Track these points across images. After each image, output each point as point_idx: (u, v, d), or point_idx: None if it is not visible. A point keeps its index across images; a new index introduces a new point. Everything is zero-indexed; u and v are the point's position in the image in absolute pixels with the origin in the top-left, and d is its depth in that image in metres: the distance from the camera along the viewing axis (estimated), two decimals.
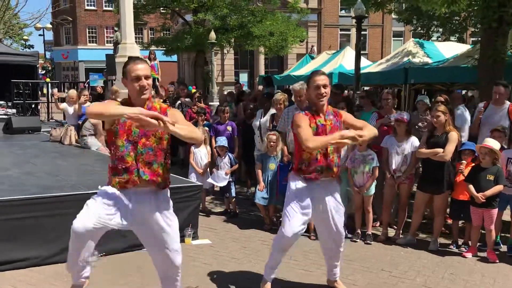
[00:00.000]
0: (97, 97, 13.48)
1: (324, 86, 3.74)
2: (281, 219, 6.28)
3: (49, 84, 17.58)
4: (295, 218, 3.80)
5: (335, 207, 3.93)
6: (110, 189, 3.15)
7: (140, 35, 38.10)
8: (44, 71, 37.59)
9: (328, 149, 3.76)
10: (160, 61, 17.19)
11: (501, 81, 6.22)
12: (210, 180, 6.68)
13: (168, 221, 3.27)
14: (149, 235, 3.30)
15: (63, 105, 9.43)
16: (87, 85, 20.13)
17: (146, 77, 3.07)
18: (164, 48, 22.33)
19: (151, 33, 39.79)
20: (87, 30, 40.96)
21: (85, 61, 39.06)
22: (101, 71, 29.07)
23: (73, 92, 9.95)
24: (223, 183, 6.64)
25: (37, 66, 14.22)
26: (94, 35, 41.13)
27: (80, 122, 8.78)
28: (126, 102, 3.10)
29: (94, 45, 40.55)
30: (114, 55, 12.89)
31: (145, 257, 4.87)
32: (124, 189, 3.13)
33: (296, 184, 3.88)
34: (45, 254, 4.62)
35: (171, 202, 3.34)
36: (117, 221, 3.11)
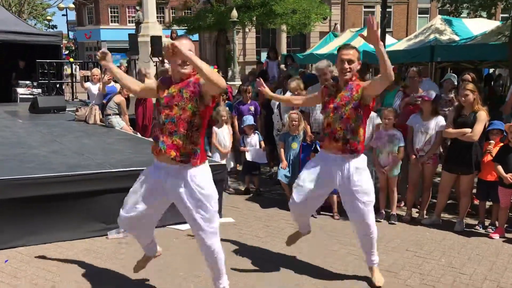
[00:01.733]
0: None
1: (349, 62, 3.68)
2: None
3: (72, 65, 17.78)
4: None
5: (350, 191, 3.75)
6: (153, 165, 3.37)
7: (161, 14, 38.10)
8: (68, 51, 37.91)
9: (331, 117, 3.78)
10: None
11: None
12: (249, 158, 6.69)
13: (200, 203, 3.19)
14: (184, 213, 3.30)
15: (87, 84, 9.53)
16: None
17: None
18: (186, 28, 22.27)
19: (172, 12, 39.70)
20: (109, 9, 41.11)
21: (108, 41, 39.26)
22: (124, 50, 29.21)
23: (96, 70, 10.03)
24: (264, 160, 6.74)
25: (61, 46, 14.34)
26: (116, 14, 41.26)
27: (104, 102, 8.87)
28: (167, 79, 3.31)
29: (116, 25, 40.74)
30: (136, 34, 12.91)
31: (169, 234, 4.96)
32: (157, 161, 3.29)
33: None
34: (72, 231, 4.73)
35: (205, 180, 3.23)
36: (157, 199, 3.32)
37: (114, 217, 4.85)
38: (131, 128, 8.99)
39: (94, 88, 9.32)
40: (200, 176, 3.21)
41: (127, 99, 9.02)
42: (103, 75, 9.95)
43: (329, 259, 4.45)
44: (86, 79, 9.82)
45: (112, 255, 4.48)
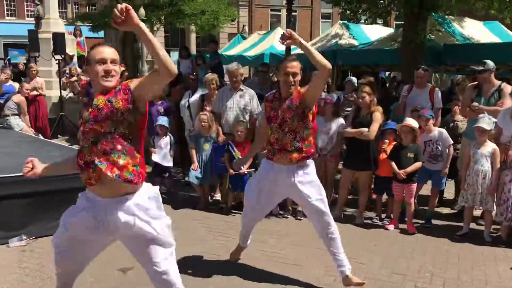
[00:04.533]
0: (18, 74, 12.78)
1: (293, 75, 3.68)
2: (214, 197, 6.43)
3: None
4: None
5: (304, 197, 3.85)
6: None
7: (64, 10, 36.17)
8: None
9: (280, 133, 3.74)
10: (86, 38, 16.51)
11: (422, 65, 6.60)
12: (155, 159, 6.58)
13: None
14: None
15: None
16: (7, 62, 18.97)
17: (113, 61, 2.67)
18: (91, 24, 21.39)
19: (75, 7, 37.83)
20: (4, 2, 38.24)
21: (3, 36, 36.53)
22: (22, 46, 27.34)
23: None
24: (169, 163, 6.64)
25: None
26: (13, 8, 38.50)
27: (1, 102, 8.34)
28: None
29: (13, 19, 37.96)
30: (37, 30, 12.21)
31: None
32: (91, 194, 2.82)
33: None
34: None
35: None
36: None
37: (14, 224, 4.66)
38: (32, 129, 8.55)
39: None
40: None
41: (26, 99, 8.57)
42: None
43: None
44: None
45: (14, 264, 4.26)
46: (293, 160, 3.75)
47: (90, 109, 2.64)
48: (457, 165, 6.02)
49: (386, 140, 5.74)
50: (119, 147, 2.59)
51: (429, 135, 5.71)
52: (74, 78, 11.28)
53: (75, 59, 13.44)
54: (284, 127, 3.74)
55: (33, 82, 9.59)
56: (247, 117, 6.24)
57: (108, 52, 2.65)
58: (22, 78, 10.93)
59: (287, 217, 5.82)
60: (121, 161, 2.59)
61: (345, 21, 13.26)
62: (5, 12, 38.60)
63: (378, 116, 5.52)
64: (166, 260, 2.80)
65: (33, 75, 9.68)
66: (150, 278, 2.86)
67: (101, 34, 26.50)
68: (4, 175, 4.73)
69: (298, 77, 3.72)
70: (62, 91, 11.15)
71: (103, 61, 2.61)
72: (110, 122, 2.58)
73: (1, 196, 4.60)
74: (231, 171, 5.87)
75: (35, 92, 9.48)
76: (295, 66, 3.68)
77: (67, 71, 11.94)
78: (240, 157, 5.88)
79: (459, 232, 5.35)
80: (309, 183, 3.82)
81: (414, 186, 5.52)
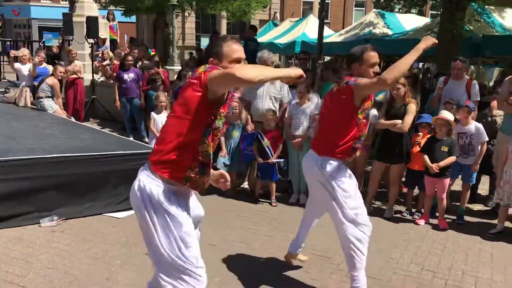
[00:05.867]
0: (53, 57, 12.99)
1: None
2: (242, 186, 6.42)
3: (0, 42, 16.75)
4: None
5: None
6: None
7: None
8: None
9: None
10: (118, 22, 16.64)
11: (459, 57, 6.39)
12: None
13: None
14: None
15: (17, 65, 9.07)
16: (42, 44, 19.32)
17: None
18: (123, 9, 21.55)
19: None
20: None
21: (39, 19, 37.22)
22: (56, 30, 27.83)
23: (25, 51, 9.59)
24: None
25: None
26: None
27: (35, 84, 8.49)
28: None
29: (48, 2, 38.60)
30: (71, 13, 12.35)
31: (106, 222, 4.89)
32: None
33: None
34: (1, 218, 4.54)
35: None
36: None
37: (46, 205, 4.75)
38: (65, 112, 8.69)
39: (25, 69, 8.89)
40: None
41: (60, 82, 8.70)
42: (33, 56, 9.53)
43: (268, 244, 4.58)
44: (16, 59, 9.34)
45: (45, 244, 4.34)
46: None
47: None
48: (492, 161, 5.83)
49: (420, 133, 5.60)
50: None
51: (464, 128, 5.54)
52: (106, 62, 11.39)
53: (107, 43, 13.57)
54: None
55: (72, 65, 9.74)
56: (277, 105, 6.19)
57: (242, 50, 2.58)
58: (56, 61, 11.11)
59: None
60: None
61: (380, 10, 12.97)
62: None
63: (412, 108, 5.38)
64: None
65: (73, 58, 9.82)
66: None
67: (133, 18, 26.72)
68: (37, 156, 4.82)
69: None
70: (94, 74, 11.28)
71: (238, 61, 2.52)
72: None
73: (34, 177, 4.68)
74: (260, 160, 5.84)
75: (74, 76, 9.66)
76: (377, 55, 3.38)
77: (100, 55, 12.07)
78: (269, 146, 5.85)
79: (493, 230, 5.19)
80: None
81: (447, 181, 5.38)
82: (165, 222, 2.41)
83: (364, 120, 3.39)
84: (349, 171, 3.55)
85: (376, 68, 3.35)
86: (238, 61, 2.50)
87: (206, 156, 2.49)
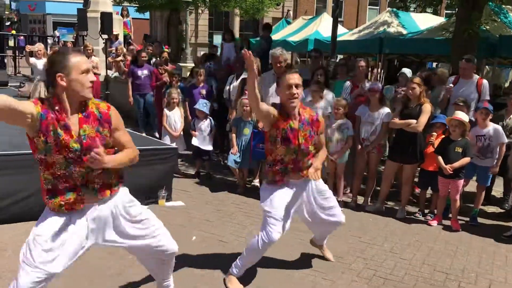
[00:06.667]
0: None
1: (297, 86, 3.40)
2: (253, 183, 6.41)
3: (16, 37, 16.91)
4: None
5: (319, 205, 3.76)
6: None
7: None
8: (9, 22, 35.94)
9: (299, 154, 3.51)
10: (132, 18, 16.72)
11: (467, 56, 6.34)
12: (195, 142, 6.62)
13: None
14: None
15: (32, 60, 9.13)
16: (57, 39, 19.46)
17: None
18: (137, 5, 21.64)
19: None
20: None
21: (53, 14, 37.52)
22: (70, 25, 28.04)
23: (41, 45, 9.65)
24: (209, 147, 6.65)
25: (4, 17, 13.60)
26: None
27: None
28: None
29: None
30: (85, 9, 12.43)
31: None
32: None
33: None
34: (15, 212, 4.57)
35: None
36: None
37: None
38: None
39: (40, 64, 8.95)
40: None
41: None
42: (48, 51, 9.60)
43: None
44: (31, 54, 9.42)
45: None
46: (304, 175, 3.57)
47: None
48: (508, 162, 5.75)
49: (434, 133, 5.54)
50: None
51: (482, 130, 5.47)
52: (120, 58, 11.44)
53: (121, 39, 13.64)
54: (303, 150, 3.50)
55: (89, 61, 9.79)
56: None
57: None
58: None
59: None
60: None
61: (394, 9, 12.86)
62: None
63: (427, 108, 5.32)
64: None
65: (89, 54, 9.87)
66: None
67: (146, 15, 26.81)
68: None
69: (301, 89, 3.47)
70: (107, 70, 11.34)
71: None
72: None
73: None
74: None
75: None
76: (297, 77, 3.42)
77: (113, 51, 12.13)
78: None
79: (508, 232, 5.13)
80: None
81: (461, 182, 5.32)
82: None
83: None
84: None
85: (294, 90, 3.37)
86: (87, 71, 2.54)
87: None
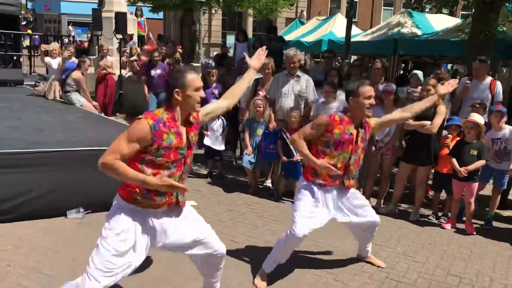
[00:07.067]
0: (81, 52, 13.19)
1: (373, 97, 3.62)
2: (265, 183, 6.40)
3: (31, 36, 17.08)
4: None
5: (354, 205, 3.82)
6: None
7: None
8: (25, 22, 36.35)
9: (349, 159, 3.64)
10: (146, 18, 16.80)
11: (480, 57, 6.29)
12: (207, 142, 6.63)
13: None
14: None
15: (47, 59, 9.21)
16: (72, 38, 19.62)
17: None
18: (151, 5, 21.76)
19: None
20: None
21: (68, 14, 37.90)
22: (84, 25, 28.25)
23: (55, 45, 9.73)
24: (221, 147, 6.66)
25: (20, 16, 13.73)
26: None
27: (64, 77, 8.62)
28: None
29: None
30: (100, 9, 12.52)
31: None
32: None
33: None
34: (30, 209, 4.61)
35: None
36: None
37: (74, 197, 4.82)
38: (94, 102, 8.83)
39: (54, 63, 9.02)
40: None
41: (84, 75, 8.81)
42: (63, 50, 9.68)
43: None
44: (46, 53, 9.51)
45: (71, 235, 4.41)
46: (349, 186, 3.74)
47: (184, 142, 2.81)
48: None
49: (449, 136, 5.48)
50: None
51: (498, 133, 5.40)
52: (134, 58, 11.50)
53: (135, 39, 13.71)
54: (355, 154, 3.67)
55: (104, 60, 9.88)
56: (302, 104, 6.14)
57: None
58: (83, 55, 11.27)
59: None
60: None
61: (409, 9, 12.75)
62: None
63: (442, 109, 5.27)
64: None
65: (104, 53, 9.98)
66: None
67: (160, 15, 26.94)
68: (65, 149, 4.89)
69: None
70: (121, 70, 11.41)
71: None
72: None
73: (61, 169, 4.76)
74: (284, 158, 5.81)
75: (105, 71, 9.79)
76: (372, 89, 3.65)
77: (128, 51, 12.20)
78: None
79: None
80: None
81: (475, 185, 5.26)
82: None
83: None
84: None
85: (372, 101, 3.57)
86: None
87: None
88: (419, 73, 7.28)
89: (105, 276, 2.63)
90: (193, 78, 2.74)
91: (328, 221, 3.71)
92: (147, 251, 2.83)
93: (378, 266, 4.18)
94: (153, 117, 2.66)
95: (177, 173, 2.78)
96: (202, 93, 2.78)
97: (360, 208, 3.83)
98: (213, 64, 8.77)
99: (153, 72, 8.92)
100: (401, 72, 13.35)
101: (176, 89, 2.71)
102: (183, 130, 2.77)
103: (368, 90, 3.58)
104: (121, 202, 2.81)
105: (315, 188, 3.67)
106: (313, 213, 3.60)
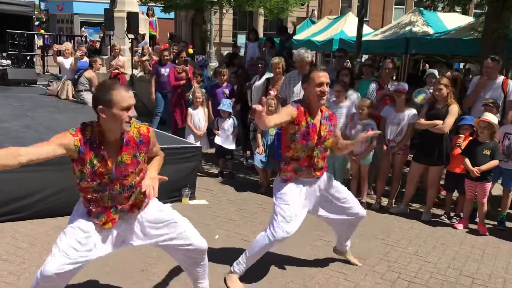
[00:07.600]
0: (93, 52, 13.29)
1: (327, 84, 3.42)
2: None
3: (44, 36, 17.23)
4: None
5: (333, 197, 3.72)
6: None
7: None
8: (38, 22, 36.70)
9: (314, 151, 3.51)
10: (157, 18, 16.88)
11: (492, 55, 6.23)
12: (218, 141, 6.65)
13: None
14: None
15: (60, 59, 9.31)
16: (84, 38, 19.78)
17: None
18: (162, 5, 21.86)
19: None
20: None
21: (80, 14, 38.21)
22: (96, 25, 28.47)
23: (68, 45, 9.83)
24: (232, 146, 6.68)
25: (33, 16, 13.88)
26: None
27: (76, 77, 8.70)
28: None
29: None
30: (112, 9, 12.60)
31: None
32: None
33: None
34: (44, 208, 4.66)
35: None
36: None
37: None
38: None
39: (67, 63, 9.12)
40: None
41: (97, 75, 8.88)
42: (75, 50, 9.77)
43: (303, 244, 4.55)
44: (59, 53, 9.61)
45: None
46: (317, 176, 3.61)
47: (113, 165, 2.67)
48: None
49: (462, 135, 5.44)
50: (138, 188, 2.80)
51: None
52: (146, 58, 11.57)
53: (146, 39, 13.78)
54: (320, 146, 3.53)
55: (116, 60, 9.96)
56: None
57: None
58: (95, 55, 11.36)
59: None
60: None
61: (421, 8, 12.67)
62: None
63: (455, 109, 5.23)
64: None
65: (116, 53, 10.02)
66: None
67: (171, 15, 27.06)
68: None
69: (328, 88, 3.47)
70: (133, 69, 11.47)
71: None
72: (133, 175, 2.77)
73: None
74: None
75: (117, 70, 9.87)
76: (327, 75, 3.43)
77: (139, 50, 12.26)
78: None
79: None
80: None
81: (488, 185, 5.22)
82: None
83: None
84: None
85: (324, 88, 3.38)
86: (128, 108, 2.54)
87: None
88: (435, 72, 7.23)
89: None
90: (121, 96, 2.50)
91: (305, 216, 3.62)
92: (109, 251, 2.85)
93: (354, 264, 4.13)
94: (81, 139, 2.53)
95: (106, 194, 2.67)
96: (132, 113, 2.54)
97: (342, 201, 3.70)
98: (205, 61, 8.75)
99: (162, 71, 8.94)
100: (410, 71, 13.24)
101: (100, 106, 2.50)
102: (113, 150, 2.59)
103: (318, 76, 3.37)
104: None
105: (293, 186, 3.56)
106: (292, 216, 3.47)
